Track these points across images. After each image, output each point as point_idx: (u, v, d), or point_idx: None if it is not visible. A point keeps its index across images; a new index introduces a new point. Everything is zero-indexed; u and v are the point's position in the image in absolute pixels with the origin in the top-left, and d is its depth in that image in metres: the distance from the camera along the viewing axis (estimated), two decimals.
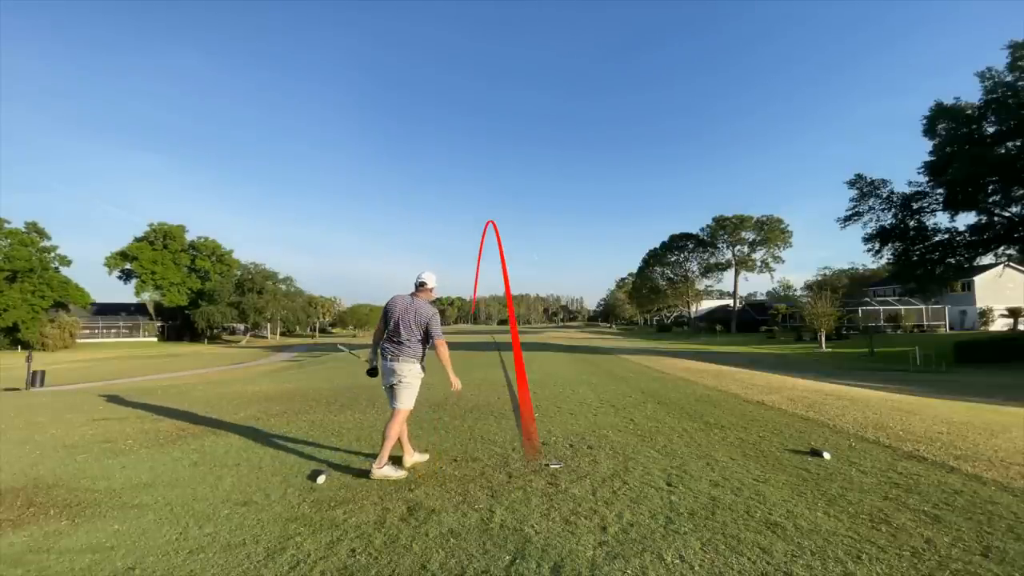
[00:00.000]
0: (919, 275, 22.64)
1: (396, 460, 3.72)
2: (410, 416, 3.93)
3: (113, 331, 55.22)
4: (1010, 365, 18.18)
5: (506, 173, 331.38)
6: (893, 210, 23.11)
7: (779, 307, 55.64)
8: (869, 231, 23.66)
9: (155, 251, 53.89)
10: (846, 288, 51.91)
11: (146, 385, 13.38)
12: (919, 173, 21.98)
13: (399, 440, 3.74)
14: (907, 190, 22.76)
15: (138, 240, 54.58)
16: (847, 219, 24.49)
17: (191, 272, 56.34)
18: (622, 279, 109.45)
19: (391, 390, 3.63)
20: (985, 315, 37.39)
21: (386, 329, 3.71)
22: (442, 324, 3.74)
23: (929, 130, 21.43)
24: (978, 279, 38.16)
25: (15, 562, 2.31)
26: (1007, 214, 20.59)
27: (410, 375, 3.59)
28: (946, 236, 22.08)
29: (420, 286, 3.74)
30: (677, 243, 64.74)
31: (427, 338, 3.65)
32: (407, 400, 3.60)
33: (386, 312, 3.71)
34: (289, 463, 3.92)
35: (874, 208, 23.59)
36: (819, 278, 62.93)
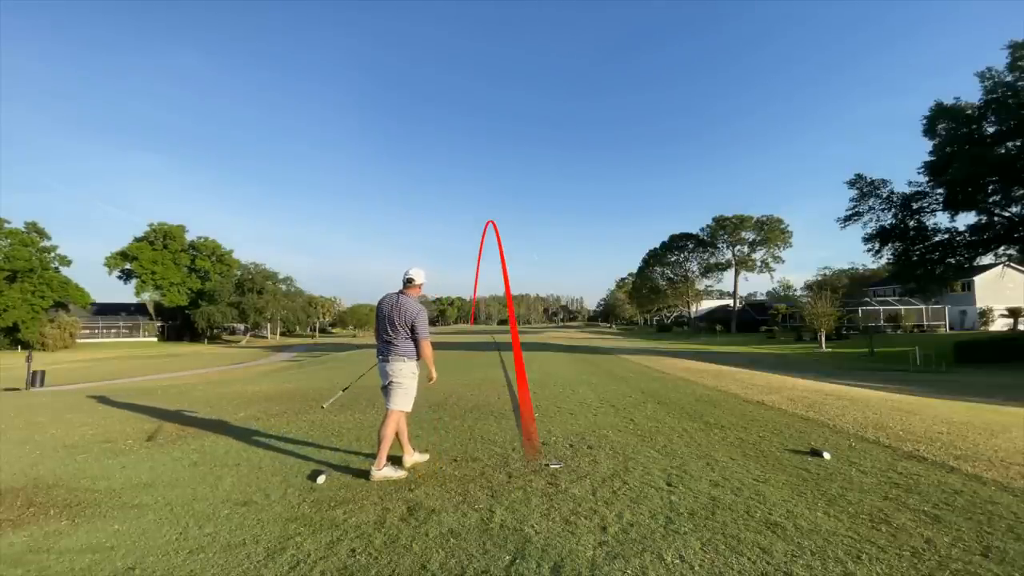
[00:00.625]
0: (919, 275, 22.65)
1: (396, 460, 3.72)
2: (410, 416, 3.92)
3: (113, 331, 55.23)
4: (1010, 365, 18.18)
5: (506, 173, 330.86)
6: (893, 210, 23.13)
7: (779, 307, 55.64)
8: (869, 231, 23.70)
9: (155, 251, 53.90)
10: (846, 288, 51.91)
11: (146, 385, 13.38)
12: (919, 173, 22.04)
13: (399, 440, 3.73)
14: (907, 190, 22.80)
15: (138, 240, 54.60)
16: (847, 219, 24.51)
17: (191, 272, 56.35)
18: (622, 279, 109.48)
19: (385, 390, 3.62)
20: (985, 315, 37.39)
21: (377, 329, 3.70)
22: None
23: (929, 130, 21.44)
24: (978, 279, 38.17)
25: (15, 562, 2.31)
26: (1007, 214, 20.60)
27: (401, 375, 3.55)
28: (946, 236, 22.09)
29: (408, 283, 3.67)
30: (677, 243, 64.75)
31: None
32: (400, 401, 3.55)
33: (376, 311, 3.70)
34: (289, 463, 3.92)
35: (874, 208, 23.62)
36: (819, 278, 62.93)
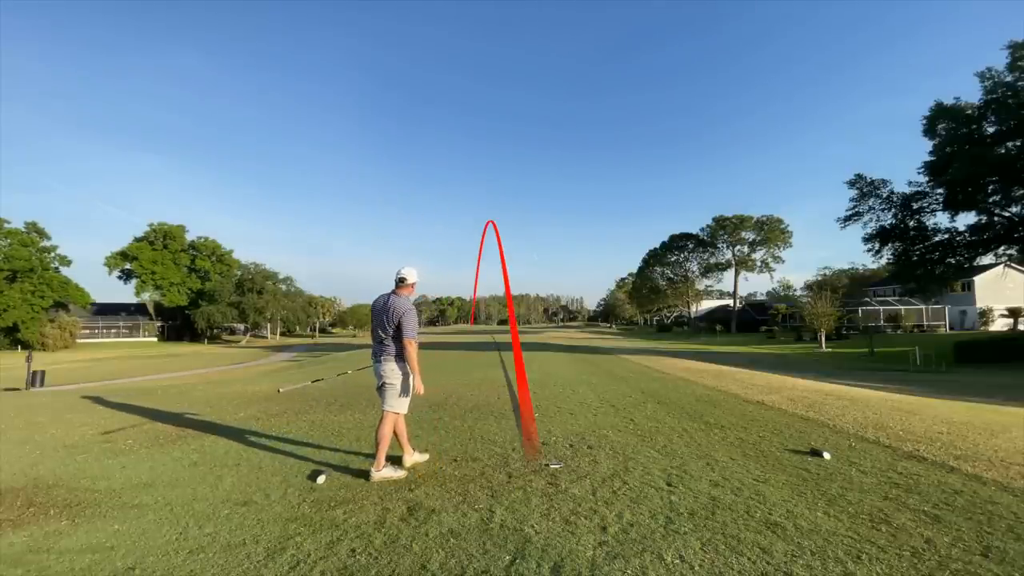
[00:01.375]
0: (919, 275, 22.65)
1: (395, 460, 3.72)
2: (409, 416, 3.91)
3: (113, 331, 55.22)
4: (1010, 365, 18.18)
5: (506, 174, 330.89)
6: (893, 210, 23.14)
7: (779, 307, 55.63)
8: (869, 231, 23.71)
9: (155, 251, 53.89)
10: (846, 288, 51.86)
11: (146, 385, 13.38)
12: (919, 173, 22.05)
13: (398, 440, 3.73)
14: (907, 190, 22.81)
15: (138, 240, 54.58)
16: (847, 219, 24.52)
17: (191, 272, 56.33)
18: (622, 279, 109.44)
19: (379, 391, 3.61)
20: (985, 315, 37.39)
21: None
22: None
23: (929, 130, 21.44)
24: (978, 279, 38.16)
25: (15, 562, 2.31)
26: (1007, 214, 20.60)
27: (392, 375, 3.53)
28: (946, 236, 22.09)
29: (400, 282, 3.62)
30: (677, 243, 64.75)
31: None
32: (393, 402, 3.53)
33: (371, 313, 3.70)
34: (289, 463, 3.92)
35: (874, 208, 23.64)
36: (819, 278, 62.86)
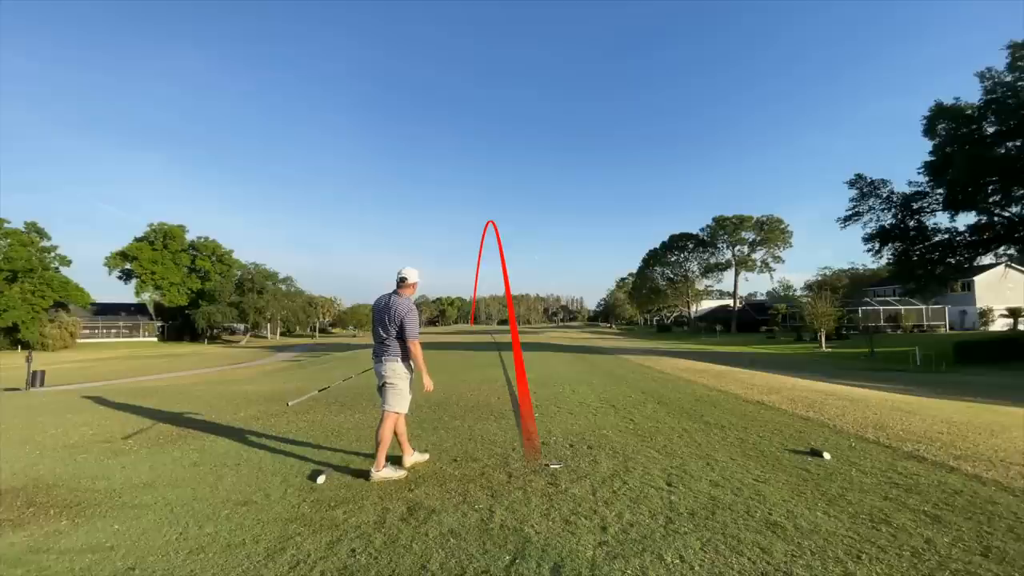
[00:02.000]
0: (919, 275, 22.66)
1: (396, 460, 3.72)
2: (409, 416, 3.91)
3: (113, 331, 55.26)
4: (1010, 365, 18.18)
5: (506, 174, 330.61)
6: (893, 210, 23.15)
7: (779, 307, 55.57)
8: (869, 231, 23.72)
9: (155, 251, 53.96)
10: (846, 288, 51.90)
11: (146, 385, 13.38)
12: (919, 173, 22.05)
13: (398, 440, 3.73)
14: (907, 190, 22.81)
15: (138, 240, 54.66)
16: (847, 219, 24.53)
17: (191, 272, 56.40)
18: (622, 279, 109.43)
19: (379, 391, 3.61)
20: (985, 315, 37.42)
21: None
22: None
23: (929, 130, 21.45)
24: (978, 279, 38.18)
25: (15, 562, 2.31)
26: (1007, 214, 20.61)
27: (393, 375, 3.54)
28: (946, 236, 22.09)
29: (401, 282, 3.63)
30: (677, 243, 64.79)
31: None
32: (393, 402, 3.53)
33: (372, 312, 3.72)
34: (289, 463, 3.92)
35: (874, 208, 23.65)
36: (819, 278, 62.86)
